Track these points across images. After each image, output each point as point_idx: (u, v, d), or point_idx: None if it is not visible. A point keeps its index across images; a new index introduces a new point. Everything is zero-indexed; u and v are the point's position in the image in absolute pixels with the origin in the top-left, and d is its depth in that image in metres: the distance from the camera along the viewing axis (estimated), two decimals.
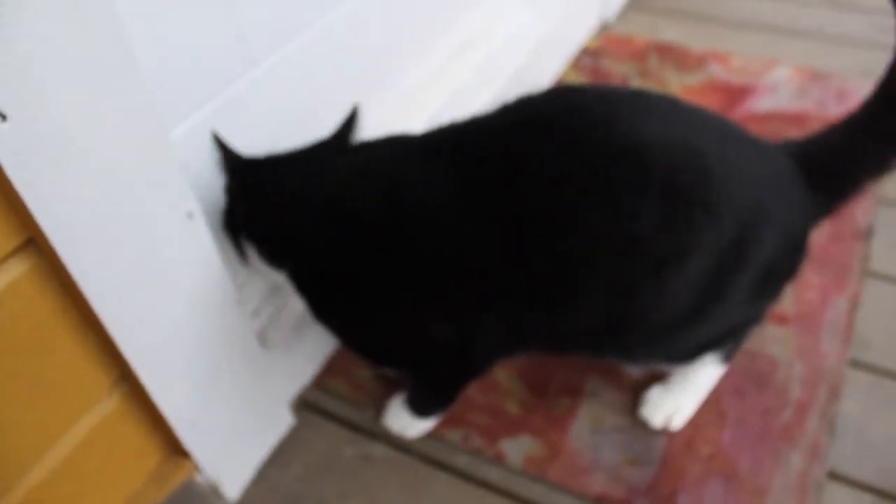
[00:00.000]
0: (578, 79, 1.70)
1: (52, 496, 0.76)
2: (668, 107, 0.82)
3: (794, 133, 1.45)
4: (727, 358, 0.99)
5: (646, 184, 0.74)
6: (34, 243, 0.65)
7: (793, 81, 1.65)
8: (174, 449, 0.89)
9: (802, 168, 0.85)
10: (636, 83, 1.67)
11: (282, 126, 0.97)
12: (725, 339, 0.92)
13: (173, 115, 0.80)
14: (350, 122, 0.91)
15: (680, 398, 1.01)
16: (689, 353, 0.92)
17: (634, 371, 1.08)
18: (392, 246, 0.80)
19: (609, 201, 0.74)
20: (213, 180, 0.88)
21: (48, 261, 0.66)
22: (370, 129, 0.95)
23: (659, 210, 0.74)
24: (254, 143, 0.92)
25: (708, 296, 0.79)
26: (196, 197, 0.77)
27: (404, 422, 1.02)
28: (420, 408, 1.00)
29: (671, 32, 1.89)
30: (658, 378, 1.05)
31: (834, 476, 0.96)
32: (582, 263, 0.76)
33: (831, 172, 0.87)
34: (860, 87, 1.60)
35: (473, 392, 1.07)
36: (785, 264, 0.85)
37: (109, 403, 0.78)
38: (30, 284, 0.66)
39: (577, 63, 1.75)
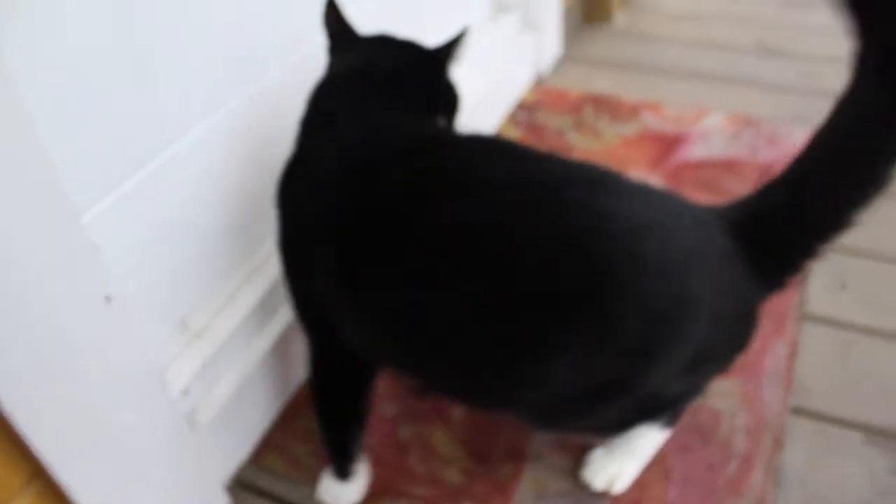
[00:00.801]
0: (515, 133, 1.71)
1: None
2: (595, 176, 0.80)
3: (730, 179, 1.49)
4: (669, 424, 0.97)
5: (544, 261, 0.73)
6: None
7: (725, 128, 1.68)
8: None
9: (743, 238, 0.80)
10: (572, 136, 1.69)
11: (200, 202, 0.95)
12: (657, 413, 0.91)
13: (85, 199, 0.79)
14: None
15: (622, 461, 1.00)
16: (612, 428, 0.90)
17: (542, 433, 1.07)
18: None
19: (503, 274, 0.74)
20: (133, 260, 0.86)
21: None
22: None
23: (546, 294, 0.73)
24: (172, 221, 0.91)
25: (608, 383, 0.78)
26: (113, 279, 0.75)
27: (326, 488, 1.00)
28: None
29: (605, 83, 1.92)
30: (602, 440, 1.04)
31: None
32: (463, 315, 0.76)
33: (776, 240, 0.82)
34: (791, 133, 1.63)
35: (413, 461, 1.05)
36: (720, 346, 0.83)
37: (23, 502, 0.74)
38: None
39: (513, 117, 1.76)
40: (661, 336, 0.75)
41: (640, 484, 1.00)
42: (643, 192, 0.81)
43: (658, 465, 1.02)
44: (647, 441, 0.99)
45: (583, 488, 1.00)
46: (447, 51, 0.94)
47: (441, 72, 0.94)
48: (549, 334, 0.74)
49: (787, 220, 0.81)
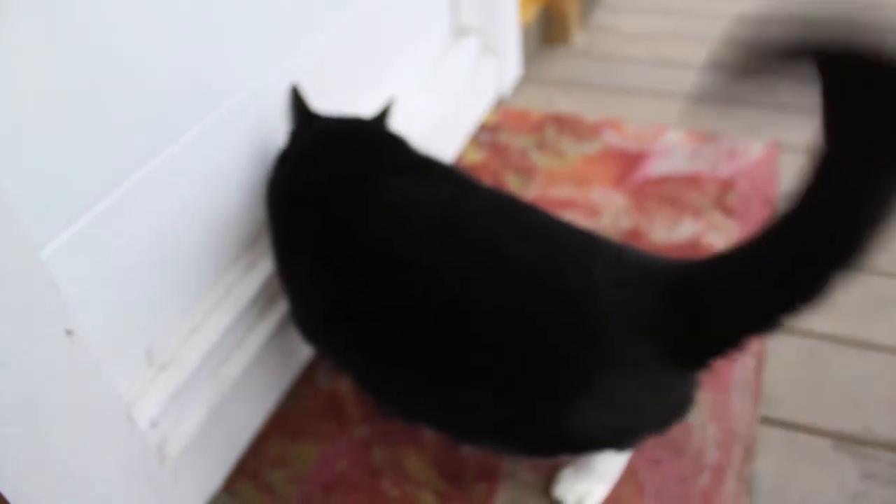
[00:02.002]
0: (478, 154, 1.72)
1: None
2: (537, 221, 0.87)
3: (692, 193, 1.51)
4: (622, 450, 0.95)
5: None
6: None
7: (685, 144, 1.70)
8: None
9: (673, 306, 0.78)
10: (535, 155, 1.70)
11: (162, 232, 0.94)
12: (575, 449, 0.89)
13: (44, 233, 0.78)
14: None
15: (592, 479, 1.00)
16: (535, 453, 0.93)
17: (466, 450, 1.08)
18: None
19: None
20: (95, 293, 0.85)
21: None
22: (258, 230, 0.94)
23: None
24: (133, 252, 0.90)
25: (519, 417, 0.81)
26: (75, 313, 0.74)
27: None
28: None
29: (566, 103, 1.94)
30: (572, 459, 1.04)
31: None
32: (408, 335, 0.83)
33: (704, 321, 0.77)
34: (748, 147, 1.66)
35: (386, 485, 1.04)
36: (643, 407, 0.83)
37: None
38: None
39: (476, 139, 1.77)
40: (572, 376, 0.78)
41: (614, 498, 1.00)
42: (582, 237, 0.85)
43: (631, 480, 1.02)
44: (608, 463, 0.99)
45: None
46: (383, 117, 1.10)
47: (384, 130, 1.07)
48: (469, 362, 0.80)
49: (720, 304, 0.77)
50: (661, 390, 0.83)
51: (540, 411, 0.80)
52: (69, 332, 0.74)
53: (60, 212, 0.80)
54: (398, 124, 1.39)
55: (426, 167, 0.95)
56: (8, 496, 0.69)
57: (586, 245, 0.83)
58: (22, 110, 0.73)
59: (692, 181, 1.57)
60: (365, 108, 1.37)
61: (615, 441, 0.87)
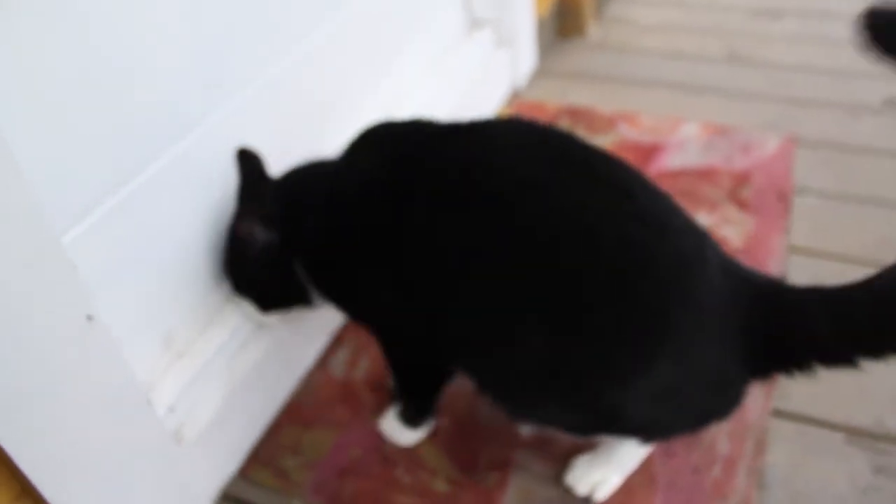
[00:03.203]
0: None
1: None
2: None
3: (706, 187, 1.51)
4: (648, 442, 0.97)
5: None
6: None
7: (700, 137, 1.70)
8: None
9: (756, 314, 0.81)
10: None
11: (186, 219, 0.95)
12: (616, 429, 0.89)
13: (65, 219, 0.79)
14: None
15: (606, 469, 1.00)
16: (575, 429, 0.91)
17: (525, 431, 1.07)
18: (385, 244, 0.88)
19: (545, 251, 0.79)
20: (115, 279, 0.86)
21: None
22: None
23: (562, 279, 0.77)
24: (153, 239, 0.91)
25: (571, 371, 0.81)
26: (95, 299, 0.75)
27: (394, 428, 1.09)
28: (407, 417, 1.07)
29: (580, 96, 1.94)
30: (587, 447, 1.05)
31: None
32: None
33: (783, 340, 0.81)
34: (764, 141, 1.66)
35: (400, 473, 1.05)
36: (689, 395, 0.83)
37: None
38: None
39: None
40: (632, 340, 0.78)
41: (626, 489, 1.01)
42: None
43: (643, 471, 1.03)
44: (628, 453, 1.00)
45: (570, 496, 1.01)
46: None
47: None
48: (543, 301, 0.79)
49: (806, 330, 0.80)
50: (720, 385, 0.84)
51: (615, 372, 0.79)
52: (89, 318, 0.75)
53: (81, 199, 0.81)
54: (412, 117, 1.40)
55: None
56: (29, 475, 0.71)
57: (697, 229, 0.85)
58: (44, 100, 0.74)
59: (707, 174, 1.57)
60: (379, 100, 1.38)
61: (659, 425, 0.88)
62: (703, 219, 1.44)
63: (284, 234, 0.96)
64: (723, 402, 0.86)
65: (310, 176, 1.00)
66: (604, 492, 1.00)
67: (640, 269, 0.77)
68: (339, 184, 0.94)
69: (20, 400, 0.68)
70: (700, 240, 0.84)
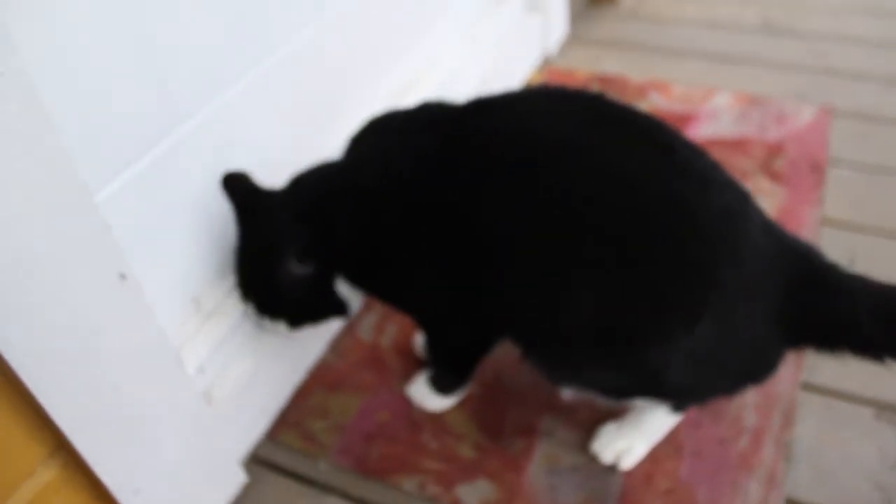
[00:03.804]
0: None
1: None
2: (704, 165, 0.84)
3: (739, 158, 1.49)
4: (678, 409, 0.97)
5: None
6: None
7: (733, 107, 1.68)
8: None
9: (799, 287, 0.81)
10: None
11: (212, 185, 0.95)
12: (654, 393, 0.89)
13: (99, 179, 0.79)
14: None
15: (632, 438, 1.00)
16: (613, 391, 0.91)
17: (566, 395, 1.07)
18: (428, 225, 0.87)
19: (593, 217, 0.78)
20: (147, 239, 0.87)
21: None
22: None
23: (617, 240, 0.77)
24: (185, 200, 0.91)
25: (619, 331, 0.80)
26: (127, 258, 0.75)
27: (425, 394, 1.09)
28: (442, 386, 1.07)
29: (612, 64, 1.91)
30: (614, 415, 1.05)
31: (791, 503, 0.96)
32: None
33: (823, 316, 0.82)
34: (798, 111, 1.63)
35: (426, 438, 1.05)
36: (727, 358, 0.83)
37: (46, 474, 0.75)
38: None
39: None
40: (677, 301, 0.78)
41: (652, 458, 1.01)
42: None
43: (669, 441, 1.02)
44: (657, 422, 1.00)
45: (595, 463, 1.01)
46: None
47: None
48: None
49: (843, 316, 0.81)
50: (759, 347, 0.84)
51: (661, 329, 0.79)
52: (122, 276, 0.76)
53: (115, 158, 0.81)
54: (443, 83, 1.39)
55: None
56: (64, 430, 0.72)
57: (739, 186, 0.84)
58: (81, 57, 0.74)
59: (739, 145, 1.55)
60: (410, 69, 1.37)
61: (696, 386, 0.88)
62: None
63: (320, 257, 0.93)
64: (760, 365, 0.86)
65: (324, 183, 0.94)
66: (630, 460, 1.00)
67: (684, 224, 0.77)
68: (363, 181, 0.90)
69: (55, 356, 0.69)
70: (742, 197, 0.83)
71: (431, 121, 0.91)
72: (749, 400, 1.07)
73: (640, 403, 0.96)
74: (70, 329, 0.70)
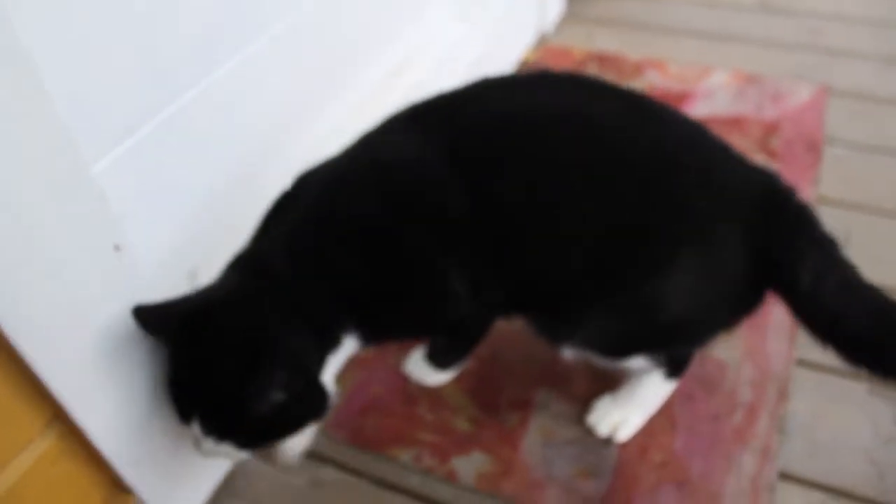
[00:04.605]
0: None
1: None
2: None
3: (735, 136, 1.49)
4: (673, 374, 0.99)
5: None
6: None
7: (729, 86, 1.67)
8: (118, 486, 0.86)
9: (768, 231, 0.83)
10: None
11: (213, 154, 0.95)
12: (654, 341, 0.91)
13: (94, 150, 0.78)
14: None
15: (627, 409, 1.01)
16: (614, 346, 0.92)
17: (567, 355, 1.07)
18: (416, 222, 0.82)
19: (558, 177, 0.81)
20: (143, 211, 0.86)
21: None
22: (302, 153, 0.93)
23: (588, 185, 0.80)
24: (181, 172, 0.91)
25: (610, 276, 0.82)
26: (123, 230, 0.75)
27: (422, 369, 1.03)
28: (440, 362, 1.02)
29: (608, 42, 1.90)
30: (610, 388, 1.05)
31: (785, 476, 0.97)
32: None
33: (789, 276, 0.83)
34: (795, 90, 1.63)
35: (422, 411, 1.06)
36: (718, 279, 0.84)
37: (43, 444, 0.75)
38: None
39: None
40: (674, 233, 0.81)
41: (647, 432, 1.01)
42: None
43: (663, 415, 1.03)
44: (651, 391, 1.00)
45: (590, 436, 1.01)
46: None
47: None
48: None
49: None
50: (742, 283, 0.85)
51: (654, 263, 0.81)
52: (117, 247, 0.75)
53: (110, 130, 0.80)
54: (439, 60, 1.38)
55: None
56: (61, 400, 0.72)
57: (713, 141, 0.87)
58: (74, 30, 0.73)
59: (735, 123, 1.55)
60: (404, 46, 1.36)
61: (692, 322, 0.88)
62: None
63: (311, 343, 0.81)
64: (748, 290, 0.86)
65: (308, 241, 0.83)
66: (625, 432, 1.00)
67: (668, 171, 0.81)
68: (360, 212, 0.82)
69: (51, 326, 0.69)
70: (724, 150, 0.87)
71: (407, 128, 0.89)
72: (744, 376, 1.07)
73: (637, 367, 0.96)
74: (67, 300, 0.70)
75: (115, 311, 0.76)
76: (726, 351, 1.10)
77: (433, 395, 1.07)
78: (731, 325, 0.90)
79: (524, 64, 1.80)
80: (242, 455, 0.80)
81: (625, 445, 1.00)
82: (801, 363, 1.09)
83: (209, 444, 0.77)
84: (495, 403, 1.06)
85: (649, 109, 0.87)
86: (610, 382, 1.05)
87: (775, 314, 1.14)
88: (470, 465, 0.99)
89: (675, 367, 0.98)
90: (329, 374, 0.83)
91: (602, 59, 1.81)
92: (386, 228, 0.81)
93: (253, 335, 0.77)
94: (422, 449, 1.01)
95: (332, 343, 0.82)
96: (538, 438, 1.02)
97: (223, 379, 0.75)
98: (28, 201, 0.64)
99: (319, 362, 0.81)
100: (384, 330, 0.88)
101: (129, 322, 0.78)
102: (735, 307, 0.88)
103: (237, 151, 1.00)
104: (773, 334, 1.12)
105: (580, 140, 0.81)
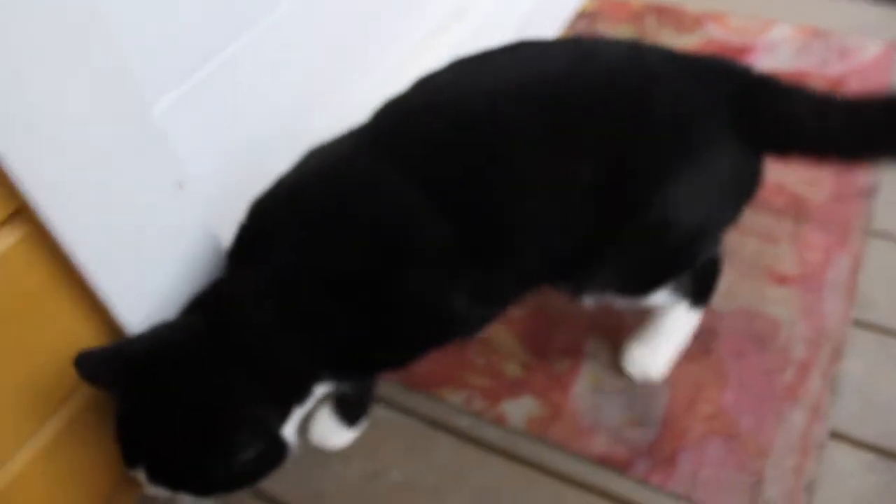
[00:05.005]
0: None
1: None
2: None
3: None
4: (697, 303, 0.99)
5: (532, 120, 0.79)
6: (21, 215, 0.65)
7: (793, 40, 1.63)
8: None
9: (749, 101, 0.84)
10: None
11: (268, 96, 0.95)
12: (675, 265, 0.91)
13: (158, 88, 0.79)
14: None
15: (656, 347, 1.02)
16: (632, 283, 0.91)
17: (589, 303, 1.07)
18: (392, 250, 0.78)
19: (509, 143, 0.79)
20: (204, 148, 0.87)
21: (38, 232, 0.66)
22: (358, 97, 0.93)
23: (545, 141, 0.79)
24: (239, 114, 0.91)
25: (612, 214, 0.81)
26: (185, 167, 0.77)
27: (331, 431, 0.99)
28: (351, 416, 0.98)
29: None
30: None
31: (836, 435, 0.96)
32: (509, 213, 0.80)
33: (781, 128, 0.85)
34: (862, 45, 1.58)
35: (473, 355, 1.07)
36: (713, 181, 0.85)
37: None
38: (20, 255, 0.66)
39: (572, 27, 1.73)
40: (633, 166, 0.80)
41: (697, 384, 1.01)
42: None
43: (714, 369, 1.03)
44: (678, 324, 1.01)
45: (640, 387, 1.02)
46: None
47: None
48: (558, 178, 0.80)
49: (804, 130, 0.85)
50: (738, 166, 0.85)
51: (659, 178, 0.81)
52: (179, 185, 0.77)
53: (171, 72, 0.81)
54: (488, 14, 1.36)
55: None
56: (129, 329, 0.74)
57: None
58: None
59: (799, 78, 1.51)
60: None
61: (699, 242, 0.89)
62: None
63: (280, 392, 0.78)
64: (749, 173, 0.87)
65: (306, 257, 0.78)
66: (658, 368, 1.01)
67: (634, 98, 0.81)
68: (337, 254, 0.77)
69: (116, 257, 0.72)
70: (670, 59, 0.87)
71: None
72: (798, 334, 1.06)
73: (661, 302, 0.97)
74: (131, 232, 0.73)
75: (176, 247, 0.78)
76: (780, 308, 1.09)
77: (485, 341, 1.08)
78: (738, 217, 0.91)
79: (581, 14, 1.77)
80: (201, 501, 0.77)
81: (674, 397, 1.00)
82: (858, 324, 1.08)
83: (160, 491, 0.74)
84: (546, 350, 1.07)
85: (584, 47, 0.87)
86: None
87: (833, 272, 1.13)
88: (519, 409, 1.00)
89: (699, 296, 0.99)
90: (292, 427, 0.80)
91: (660, 10, 1.77)
92: (371, 274, 0.77)
93: (218, 396, 0.73)
94: (472, 392, 1.02)
95: (301, 396, 0.79)
96: (588, 385, 1.02)
97: (179, 438, 0.71)
98: (95, 137, 0.65)
99: (284, 417, 0.78)
100: (373, 367, 0.86)
101: (190, 258, 0.79)
102: (740, 196, 0.89)
103: (284, 101, 1.00)
104: (829, 294, 1.11)
105: (537, 106, 0.79)
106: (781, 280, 1.13)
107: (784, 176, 1.27)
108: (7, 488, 0.73)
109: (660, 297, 0.94)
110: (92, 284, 0.70)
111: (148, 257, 0.76)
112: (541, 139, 0.78)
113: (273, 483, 0.96)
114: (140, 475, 0.72)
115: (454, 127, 0.79)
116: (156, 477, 0.72)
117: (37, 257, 0.67)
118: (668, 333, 1.01)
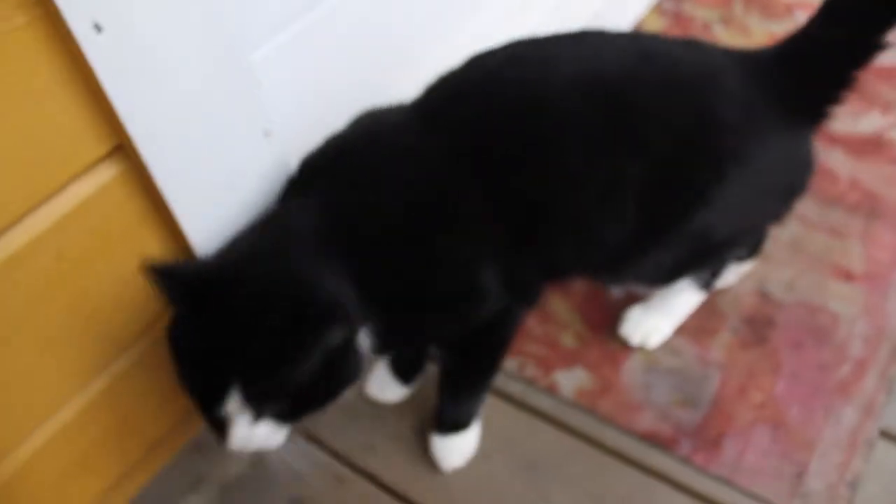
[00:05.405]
0: (659, 22, 1.66)
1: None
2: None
3: (883, 86, 1.42)
4: (708, 286, 1.02)
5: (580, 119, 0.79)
6: (122, 150, 0.69)
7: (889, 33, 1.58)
8: None
9: (772, 79, 0.84)
10: (718, 30, 1.63)
11: (363, 51, 0.98)
12: (704, 258, 0.93)
13: (253, 38, 0.81)
14: None
15: (658, 318, 1.05)
16: (664, 274, 0.94)
17: (616, 292, 1.08)
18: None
19: (552, 142, 0.79)
20: (294, 99, 0.90)
21: (134, 168, 0.70)
22: (448, 62, 0.95)
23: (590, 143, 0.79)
24: (330, 68, 0.94)
25: (654, 219, 0.83)
26: (274, 116, 0.80)
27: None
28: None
29: None
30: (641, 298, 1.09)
31: (887, 435, 0.96)
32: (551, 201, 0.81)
33: (808, 73, 0.85)
34: None
35: (532, 324, 1.09)
36: (762, 183, 0.85)
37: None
38: (118, 189, 0.71)
39: (659, 6, 1.71)
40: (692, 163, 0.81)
41: (749, 372, 1.02)
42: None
43: (769, 358, 1.03)
44: (683, 300, 1.04)
45: (692, 368, 1.03)
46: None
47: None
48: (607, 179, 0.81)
49: (818, 52, 0.84)
50: (789, 150, 0.86)
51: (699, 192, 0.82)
52: (267, 133, 0.80)
53: (271, 20, 0.84)
54: None
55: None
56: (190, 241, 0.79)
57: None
58: None
59: (887, 73, 1.48)
60: None
61: (742, 239, 0.92)
62: (875, 120, 1.36)
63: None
64: (800, 166, 0.88)
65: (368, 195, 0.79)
66: (656, 339, 1.05)
67: (689, 98, 0.82)
68: (381, 209, 0.78)
69: (205, 197, 0.76)
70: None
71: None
72: (857, 330, 1.06)
73: (679, 286, 1.00)
74: (220, 174, 0.76)
75: (261, 190, 0.82)
76: (842, 304, 1.09)
77: (543, 311, 1.11)
78: (785, 213, 0.92)
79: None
80: (277, 437, 0.75)
81: (725, 381, 1.02)
82: None
83: (243, 425, 0.72)
84: (602, 324, 1.09)
85: (646, 46, 0.87)
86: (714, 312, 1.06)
87: None
88: (571, 379, 1.03)
89: (710, 280, 1.02)
90: (365, 344, 0.79)
91: None
92: (404, 235, 0.78)
93: (294, 282, 0.73)
94: (526, 359, 1.05)
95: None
96: (640, 363, 1.04)
97: (266, 333, 0.69)
98: (194, 79, 0.69)
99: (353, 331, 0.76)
100: (403, 331, 0.85)
101: (268, 203, 0.83)
102: (788, 195, 0.90)
103: (390, 46, 1.02)
104: (894, 294, 1.10)
105: (594, 100, 0.80)
106: (847, 276, 1.12)
107: (860, 172, 1.26)
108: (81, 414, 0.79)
109: (680, 284, 0.97)
110: (179, 221, 0.75)
111: (230, 200, 0.79)
112: (595, 135, 0.79)
113: (327, 431, 1.01)
114: (230, 408, 0.70)
115: (509, 110, 0.80)
116: (249, 396, 0.69)
117: (132, 192, 0.72)
118: (672, 309, 1.05)
